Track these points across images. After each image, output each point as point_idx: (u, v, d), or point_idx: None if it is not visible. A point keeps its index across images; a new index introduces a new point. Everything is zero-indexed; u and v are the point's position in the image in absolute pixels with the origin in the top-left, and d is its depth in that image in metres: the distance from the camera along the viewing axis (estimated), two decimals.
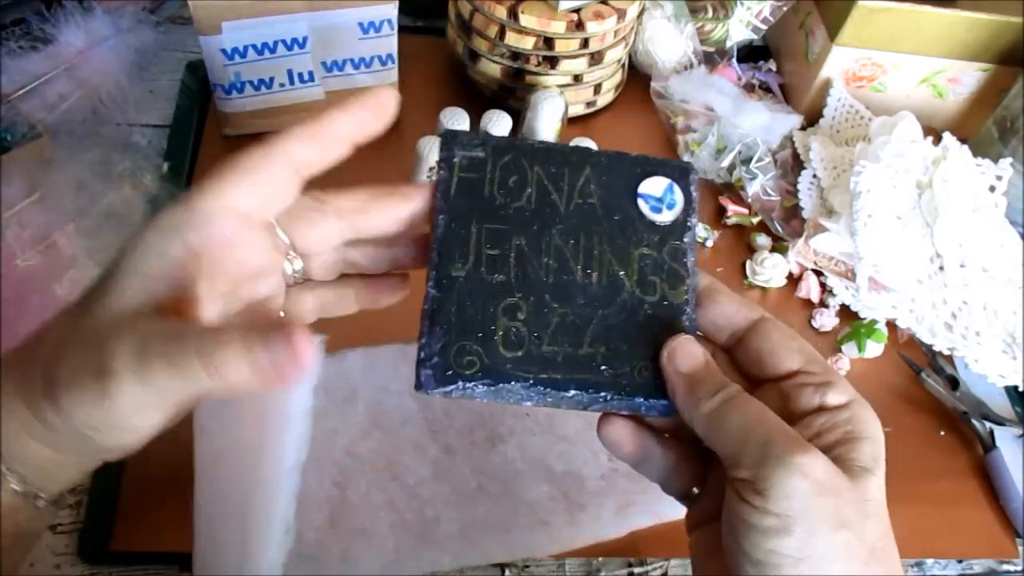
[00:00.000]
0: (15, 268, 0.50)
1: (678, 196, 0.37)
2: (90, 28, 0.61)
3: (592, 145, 0.62)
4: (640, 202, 0.37)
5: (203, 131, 0.64)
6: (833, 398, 0.32)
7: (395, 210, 0.35)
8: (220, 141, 0.63)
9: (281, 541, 0.33)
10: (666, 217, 0.36)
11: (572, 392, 0.33)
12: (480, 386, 0.33)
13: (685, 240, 0.36)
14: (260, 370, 0.27)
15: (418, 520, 0.44)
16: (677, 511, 0.47)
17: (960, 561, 0.50)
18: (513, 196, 0.36)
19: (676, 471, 0.35)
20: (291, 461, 0.33)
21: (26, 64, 0.59)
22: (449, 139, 0.36)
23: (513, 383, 0.33)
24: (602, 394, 0.33)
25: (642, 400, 0.34)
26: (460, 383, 0.33)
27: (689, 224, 0.37)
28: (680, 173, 0.37)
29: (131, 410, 0.28)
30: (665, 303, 0.35)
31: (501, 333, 0.33)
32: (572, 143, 0.61)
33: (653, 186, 0.37)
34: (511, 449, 0.47)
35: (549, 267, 0.35)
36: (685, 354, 0.33)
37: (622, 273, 0.35)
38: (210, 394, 0.29)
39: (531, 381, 0.33)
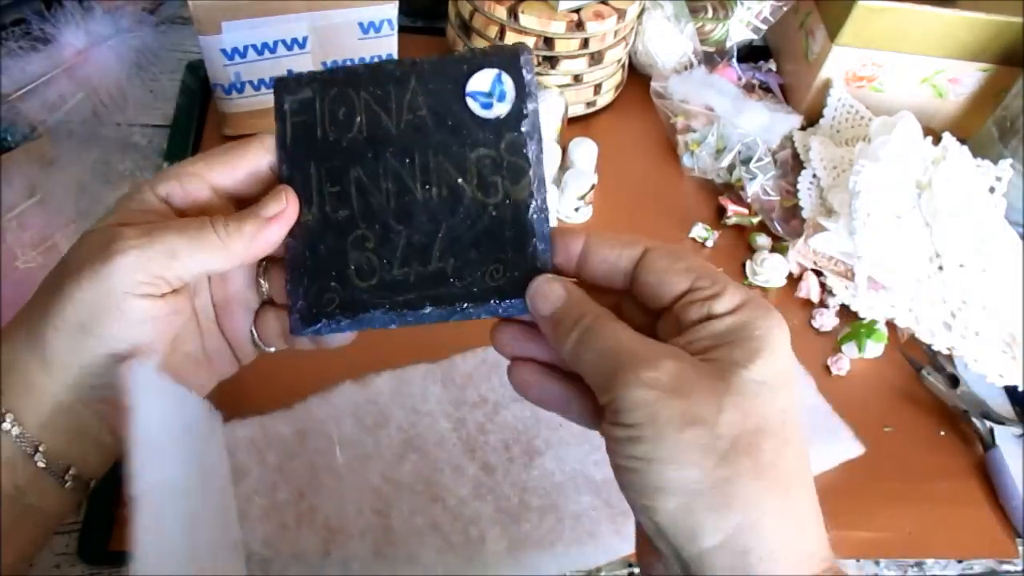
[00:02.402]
0: (16, 269, 0.50)
1: (508, 85, 0.35)
2: (90, 28, 0.61)
3: (593, 146, 0.62)
4: (469, 101, 0.35)
5: (203, 131, 0.64)
6: (720, 306, 0.31)
7: (234, 167, 0.36)
8: (220, 141, 0.63)
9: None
10: (499, 111, 0.35)
11: (429, 309, 0.34)
12: (343, 320, 0.34)
13: (523, 129, 0.35)
14: (262, 220, 0.34)
15: (464, 541, 0.43)
16: None
17: (960, 561, 0.50)
18: (344, 128, 0.36)
19: (602, 411, 0.35)
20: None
21: (26, 64, 0.58)
22: (279, 88, 0.37)
23: (372, 311, 0.34)
24: (458, 305, 0.34)
25: (497, 303, 0.34)
26: (325, 320, 0.34)
27: (525, 111, 0.35)
28: (509, 60, 0.35)
29: (132, 282, 0.32)
30: (508, 201, 0.35)
31: (353, 266, 0.35)
32: (573, 141, 0.62)
33: (480, 81, 0.35)
34: (549, 462, 0.46)
35: (389, 191, 0.35)
36: (543, 296, 0.33)
37: (460, 180, 0.35)
38: (213, 261, 0.34)
39: (387, 306, 0.34)
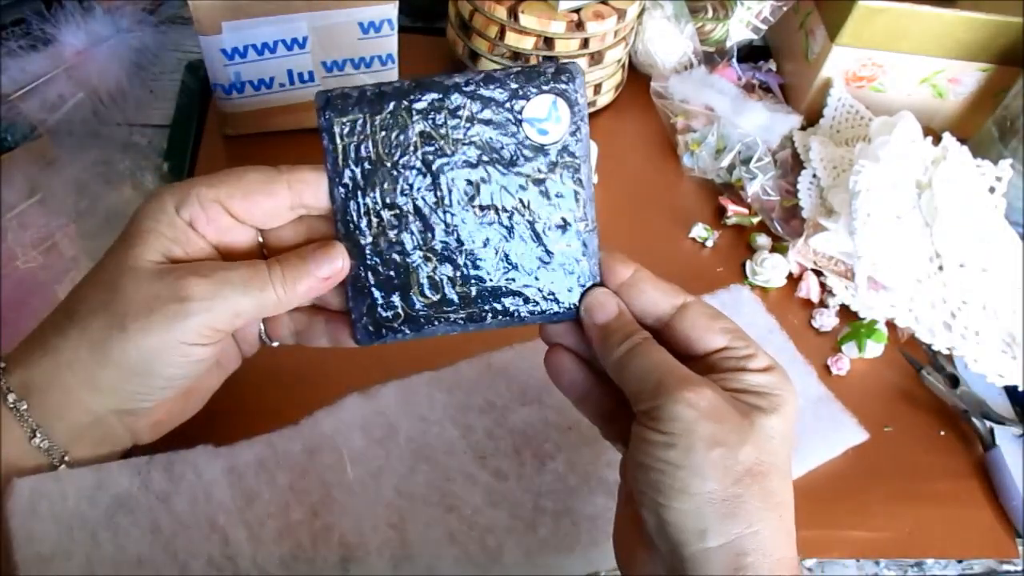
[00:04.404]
0: (16, 269, 0.50)
1: (563, 109, 0.37)
2: (90, 28, 0.61)
3: (593, 146, 0.62)
4: (526, 127, 0.37)
5: (203, 131, 0.64)
6: (754, 365, 0.36)
7: (256, 204, 0.37)
8: (220, 141, 0.63)
9: None
10: (554, 135, 0.37)
11: (489, 320, 0.38)
12: (407, 331, 0.38)
13: (577, 154, 0.37)
14: (317, 280, 0.36)
15: (482, 551, 0.42)
16: None
17: (960, 561, 0.50)
18: (398, 152, 0.37)
19: (613, 415, 0.38)
20: None
21: (26, 64, 0.58)
22: (325, 106, 0.36)
23: (436, 324, 0.38)
24: (516, 314, 0.38)
25: (554, 312, 0.38)
26: (390, 334, 0.38)
27: (579, 136, 0.37)
28: (564, 83, 0.37)
29: (199, 332, 0.35)
30: (562, 219, 0.37)
31: (415, 286, 0.37)
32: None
33: (536, 108, 0.37)
34: (561, 465, 0.45)
35: (448, 213, 0.37)
36: (599, 307, 0.37)
37: (516, 201, 0.37)
38: (267, 312, 0.36)
39: (451, 319, 0.38)
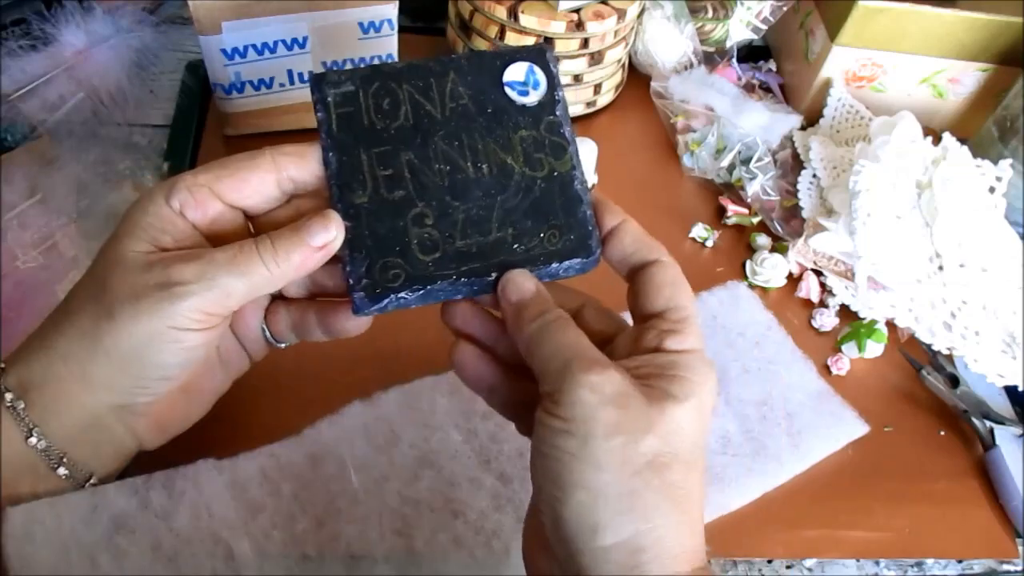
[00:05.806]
0: (16, 269, 0.50)
1: (540, 76, 0.39)
2: (90, 28, 0.61)
3: (593, 146, 0.62)
4: (507, 90, 0.39)
5: (203, 131, 0.64)
6: (673, 344, 0.34)
7: (242, 182, 0.37)
8: (220, 141, 0.63)
9: None
10: (534, 98, 0.39)
11: (494, 275, 0.36)
12: (410, 293, 0.36)
13: (557, 113, 0.39)
14: (311, 250, 0.35)
15: (488, 555, 0.42)
16: (739, 501, 0.48)
17: (960, 561, 0.50)
18: (390, 117, 0.38)
19: (526, 407, 0.36)
20: None
21: (26, 64, 0.58)
22: (318, 81, 0.38)
23: (439, 282, 0.36)
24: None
25: (558, 265, 0.37)
26: (391, 296, 0.35)
27: (557, 98, 0.39)
28: (536, 55, 0.40)
29: (189, 316, 0.34)
30: (555, 174, 0.38)
31: (415, 242, 0.36)
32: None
33: (515, 72, 0.39)
34: None
35: (442, 171, 0.37)
36: (514, 287, 0.36)
37: (509, 159, 0.38)
38: (260, 291, 0.35)
39: (454, 276, 0.36)
